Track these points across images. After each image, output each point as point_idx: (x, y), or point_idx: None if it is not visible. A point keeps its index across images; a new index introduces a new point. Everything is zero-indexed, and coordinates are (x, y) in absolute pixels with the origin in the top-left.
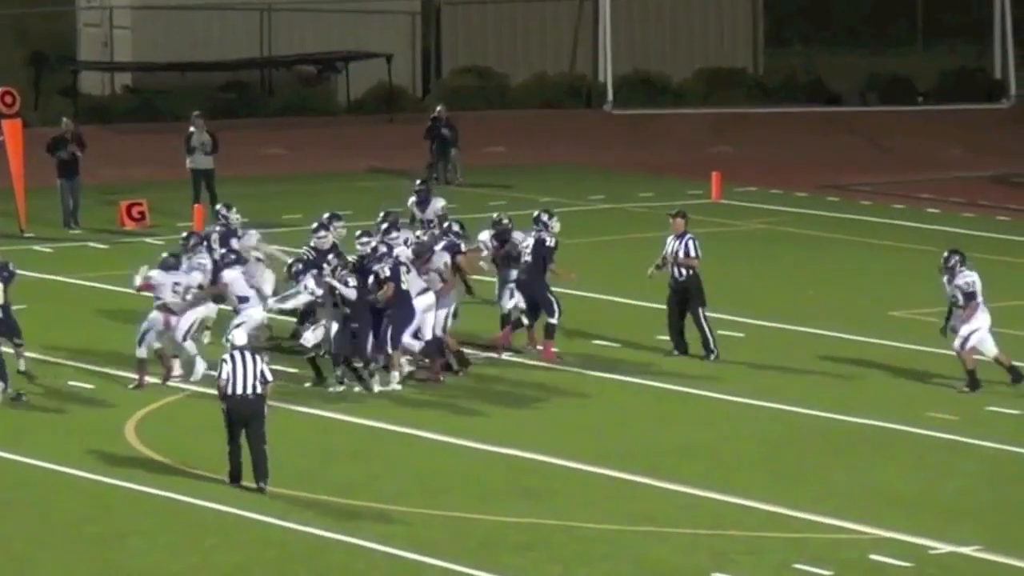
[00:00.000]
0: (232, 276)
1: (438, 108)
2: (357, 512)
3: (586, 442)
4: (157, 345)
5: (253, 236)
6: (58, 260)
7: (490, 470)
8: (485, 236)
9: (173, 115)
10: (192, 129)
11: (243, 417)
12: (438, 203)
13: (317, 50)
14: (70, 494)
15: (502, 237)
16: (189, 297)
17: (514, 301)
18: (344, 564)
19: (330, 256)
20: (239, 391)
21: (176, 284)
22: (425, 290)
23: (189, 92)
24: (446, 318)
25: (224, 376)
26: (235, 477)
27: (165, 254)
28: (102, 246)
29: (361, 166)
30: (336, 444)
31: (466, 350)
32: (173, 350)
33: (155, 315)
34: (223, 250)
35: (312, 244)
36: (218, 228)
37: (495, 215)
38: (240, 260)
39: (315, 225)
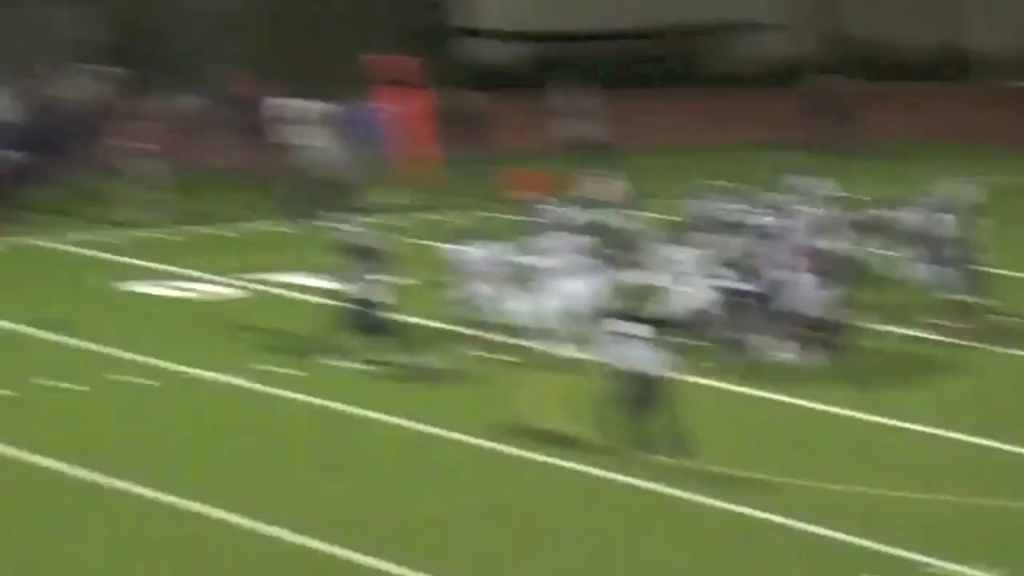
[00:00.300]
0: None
1: (831, 79)
2: (779, 489)
3: None
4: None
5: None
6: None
7: (940, 451)
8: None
9: (571, 84)
10: (569, 99)
11: (645, 393)
12: (816, 184)
13: (712, 19)
14: (469, 461)
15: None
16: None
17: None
18: (799, 546)
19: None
20: (638, 368)
21: (485, 259)
22: (805, 270)
23: (586, 61)
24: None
25: (619, 355)
26: (648, 449)
27: (470, 230)
28: (499, 215)
29: (754, 137)
30: (768, 422)
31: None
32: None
33: (486, 288)
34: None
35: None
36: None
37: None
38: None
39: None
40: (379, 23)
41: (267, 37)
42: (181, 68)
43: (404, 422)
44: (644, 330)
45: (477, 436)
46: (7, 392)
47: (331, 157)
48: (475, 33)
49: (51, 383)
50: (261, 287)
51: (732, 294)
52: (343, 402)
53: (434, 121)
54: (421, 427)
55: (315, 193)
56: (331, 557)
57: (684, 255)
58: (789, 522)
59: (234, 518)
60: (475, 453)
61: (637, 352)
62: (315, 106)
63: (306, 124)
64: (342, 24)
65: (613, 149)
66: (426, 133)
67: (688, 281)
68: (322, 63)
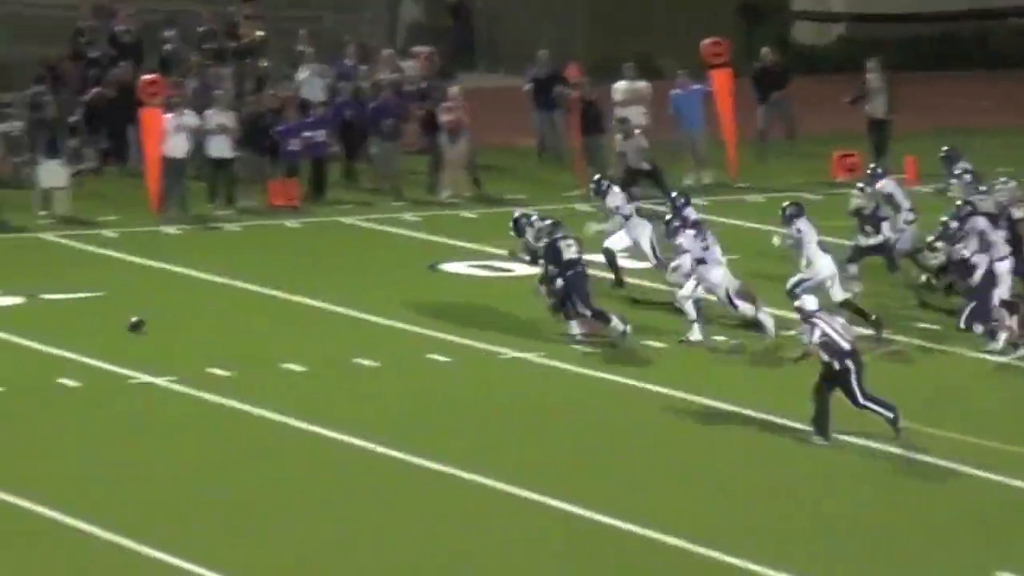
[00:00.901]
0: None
1: None
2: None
3: None
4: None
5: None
6: (768, 210)
7: None
8: None
9: (887, 66)
10: (869, 76)
11: (856, 368)
12: None
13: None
14: (758, 442)
15: None
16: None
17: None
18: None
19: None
20: (845, 346)
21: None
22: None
23: (902, 43)
24: None
25: (827, 335)
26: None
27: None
28: (815, 197)
29: None
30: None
31: None
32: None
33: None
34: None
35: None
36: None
37: None
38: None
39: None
40: (700, 3)
41: (594, 17)
42: (505, 48)
43: (683, 395)
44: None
45: (769, 413)
46: (329, 373)
47: (648, 139)
48: (791, 15)
49: (369, 363)
50: None
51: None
52: (632, 378)
53: (732, 101)
54: (709, 402)
55: (632, 173)
56: (613, 530)
57: None
58: None
59: (535, 496)
60: (766, 431)
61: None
62: (640, 86)
63: (631, 105)
64: (665, 5)
65: (887, 127)
66: (727, 113)
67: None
68: (647, 43)
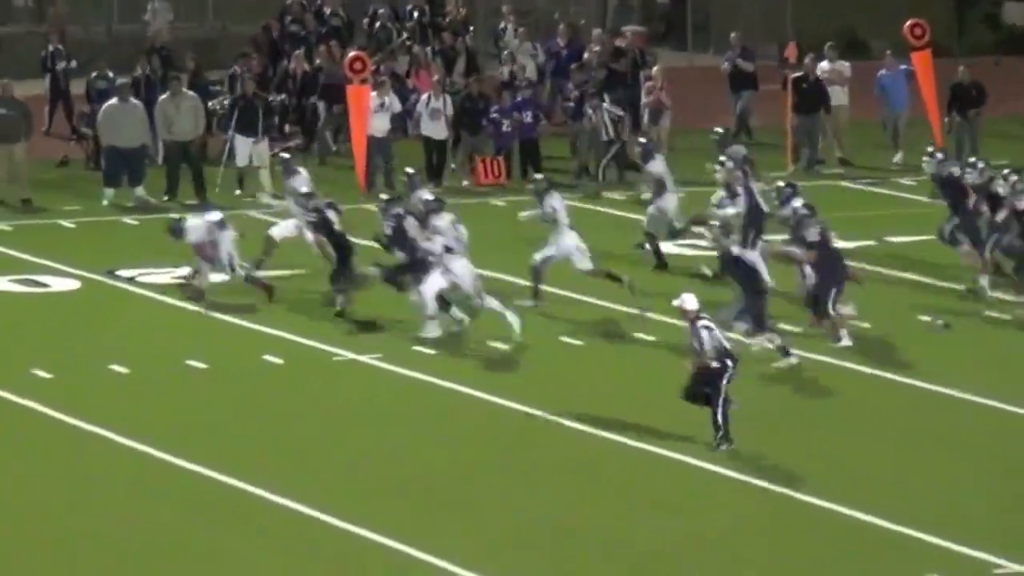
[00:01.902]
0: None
1: None
2: None
3: None
4: None
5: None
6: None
7: None
8: None
9: None
10: None
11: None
12: None
13: None
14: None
15: None
16: None
17: None
18: None
19: None
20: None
21: None
22: None
23: None
24: None
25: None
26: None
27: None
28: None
29: None
30: None
31: None
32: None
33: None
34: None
35: None
36: None
37: None
38: None
39: None
40: None
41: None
42: (714, 27)
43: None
44: None
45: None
46: (533, 350)
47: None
48: None
49: (574, 341)
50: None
51: None
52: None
53: (934, 83)
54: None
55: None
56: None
57: None
58: None
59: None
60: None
61: None
62: (840, 66)
63: (832, 85)
64: None
65: None
66: (930, 96)
67: None
68: (856, 21)
